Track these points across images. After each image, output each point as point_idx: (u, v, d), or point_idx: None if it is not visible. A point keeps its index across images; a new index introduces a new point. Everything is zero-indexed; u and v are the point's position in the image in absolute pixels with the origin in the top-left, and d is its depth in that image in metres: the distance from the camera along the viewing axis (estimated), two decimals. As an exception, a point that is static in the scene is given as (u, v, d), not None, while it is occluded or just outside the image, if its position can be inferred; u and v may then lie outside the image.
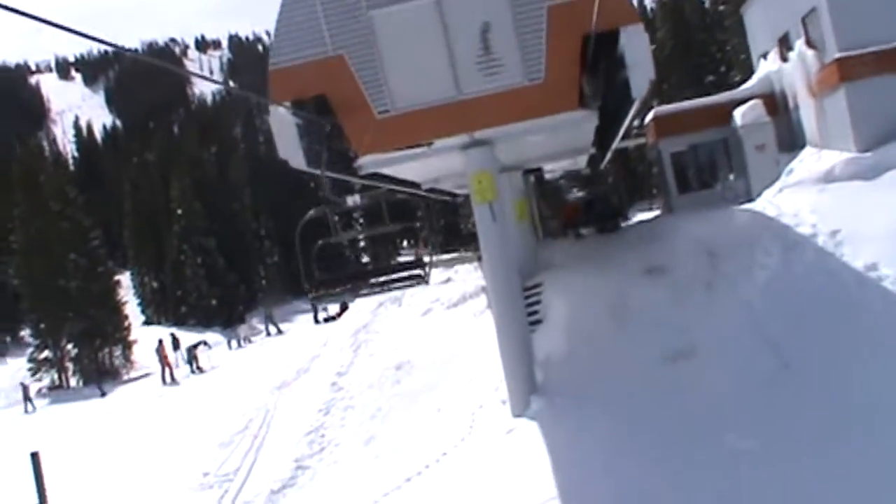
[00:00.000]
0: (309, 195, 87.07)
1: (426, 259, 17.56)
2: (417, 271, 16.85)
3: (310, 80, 13.89)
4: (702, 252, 18.20)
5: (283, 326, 44.58)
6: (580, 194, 36.24)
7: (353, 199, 17.43)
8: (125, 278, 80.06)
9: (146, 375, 48.48)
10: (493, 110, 13.70)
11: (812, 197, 19.01)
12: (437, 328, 20.19)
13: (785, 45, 23.21)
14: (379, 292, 19.11)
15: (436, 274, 24.48)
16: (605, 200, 44.20)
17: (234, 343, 40.78)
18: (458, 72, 13.62)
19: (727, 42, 69.65)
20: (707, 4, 78.95)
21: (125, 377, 55.54)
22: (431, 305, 21.83)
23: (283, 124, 14.28)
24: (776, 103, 23.91)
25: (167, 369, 36.80)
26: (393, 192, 20.46)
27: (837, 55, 19.56)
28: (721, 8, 72.56)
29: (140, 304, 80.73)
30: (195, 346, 36.46)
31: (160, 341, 39.49)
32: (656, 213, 52.10)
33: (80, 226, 58.45)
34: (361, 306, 25.29)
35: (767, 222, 18.62)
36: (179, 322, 70.93)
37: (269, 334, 40.79)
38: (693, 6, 74.62)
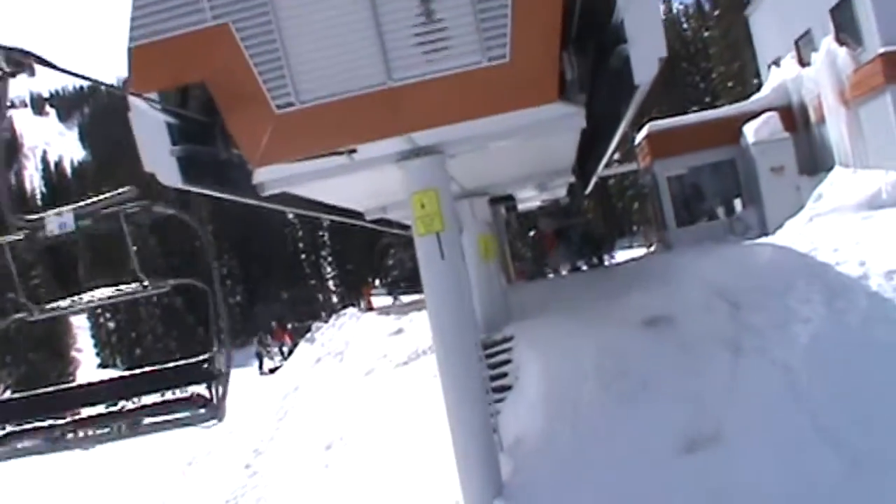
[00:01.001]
0: (274, 233, 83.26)
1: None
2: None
3: (182, 61, 9.78)
4: (718, 299, 14.17)
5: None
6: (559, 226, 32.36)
7: None
8: (82, 319, 76.17)
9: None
10: (439, 104, 9.66)
11: (855, 227, 15.08)
12: (381, 393, 16.00)
13: (804, 46, 19.30)
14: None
15: (386, 323, 20.30)
16: (587, 232, 40.48)
17: None
18: (388, 49, 9.56)
19: (712, 70, 66.13)
20: (689, 33, 75.94)
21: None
22: (377, 363, 17.57)
23: (146, 124, 10.27)
24: (794, 117, 20.03)
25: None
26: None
27: (881, 50, 15.63)
28: (706, 34, 69.18)
29: (95, 346, 76.44)
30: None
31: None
32: (642, 250, 48.27)
33: (20, 262, 53.81)
34: (300, 359, 21.04)
35: (800, 260, 14.62)
36: (134, 366, 66.65)
37: (263, 372, 36.50)
38: (674, 34, 71.28)
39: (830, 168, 17.90)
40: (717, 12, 63.58)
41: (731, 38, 58.47)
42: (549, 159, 15.61)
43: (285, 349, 37.66)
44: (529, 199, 25.97)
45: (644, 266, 19.25)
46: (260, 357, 36.41)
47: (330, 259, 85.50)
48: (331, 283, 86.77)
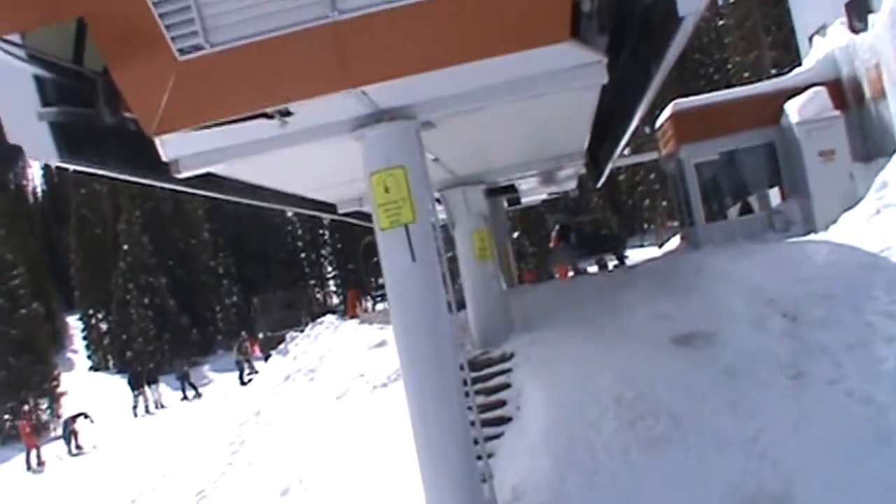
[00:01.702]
0: (275, 230, 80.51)
1: None
2: None
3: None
4: (769, 311, 11.34)
5: (211, 384, 37.25)
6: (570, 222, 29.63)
7: None
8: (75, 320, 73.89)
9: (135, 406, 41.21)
10: (405, 45, 6.92)
11: (934, 221, 12.19)
12: (353, 423, 13.18)
13: (858, 8, 16.33)
14: None
15: (368, 334, 17.47)
16: (597, 229, 37.53)
17: (140, 409, 33.39)
18: (331, -34, 6.78)
19: (727, 61, 63.12)
20: (702, 23, 72.67)
21: (52, 434, 48.58)
22: (352, 384, 14.72)
23: (6, 79, 7.56)
24: (844, 92, 17.06)
25: (32, 450, 29.49)
26: None
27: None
28: (720, 23, 66.16)
29: (87, 349, 73.77)
30: (74, 419, 29.11)
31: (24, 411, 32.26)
32: (653, 250, 45.23)
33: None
34: (268, 376, 18.22)
35: (871, 262, 11.77)
36: (124, 369, 64.18)
37: (185, 398, 33.48)
38: (687, 24, 67.90)
39: (894, 151, 14.92)
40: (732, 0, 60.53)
41: (747, 27, 55.39)
42: (558, 137, 12.74)
43: (256, 363, 34.78)
44: (534, 192, 23.06)
45: (668, 268, 16.37)
46: (240, 366, 33.68)
47: (331, 258, 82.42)
48: (332, 283, 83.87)
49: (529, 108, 9.13)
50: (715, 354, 10.73)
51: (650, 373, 10.60)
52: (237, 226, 75.44)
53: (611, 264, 28.13)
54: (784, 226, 17.02)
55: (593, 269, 27.78)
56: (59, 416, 52.88)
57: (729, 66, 62.22)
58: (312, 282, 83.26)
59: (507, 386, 12.54)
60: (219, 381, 40.93)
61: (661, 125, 19.28)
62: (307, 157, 9.37)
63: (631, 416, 9.94)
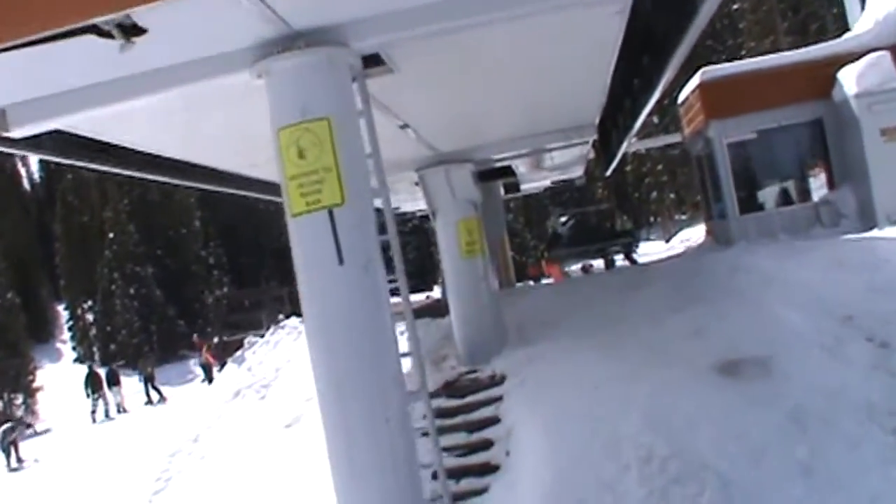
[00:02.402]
0: (269, 219, 77.73)
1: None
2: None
3: None
4: (846, 331, 8.55)
5: (179, 386, 34.31)
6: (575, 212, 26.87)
7: None
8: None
9: (45, 432, 38.30)
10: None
11: None
12: (300, 460, 10.38)
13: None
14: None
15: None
16: (606, 221, 34.54)
17: (99, 413, 30.47)
18: None
19: (741, 47, 60.16)
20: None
21: (28, 433, 46.13)
22: (305, 407, 11.93)
23: None
24: (908, 59, 14.19)
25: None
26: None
27: None
28: (734, 7, 63.10)
29: (72, 339, 71.30)
30: (12, 430, 26.21)
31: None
32: (661, 244, 42.29)
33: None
34: (218, 390, 15.42)
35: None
36: (108, 361, 61.64)
37: (149, 401, 30.54)
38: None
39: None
40: (745, -19, 57.50)
41: (763, 12, 52.32)
42: (567, 101, 9.90)
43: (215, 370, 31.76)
44: (536, 177, 20.17)
45: (693, 268, 13.57)
46: (206, 368, 30.82)
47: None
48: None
49: (532, 54, 6.44)
50: (775, 390, 7.93)
51: (689, 414, 7.82)
52: (230, 214, 72.81)
53: (617, 261, 25.37)
54: (834, 219, 14.20)
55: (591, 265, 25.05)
56: (34, 412, 50.43)
57: (743, 52, 59.06)
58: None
59: (495, 421, 9.77)
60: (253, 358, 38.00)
61: (686, 98, 16.36)
62: (207, 112, 6.55)
63: (664, 479, 7.16)
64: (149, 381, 31.23)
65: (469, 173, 11.79)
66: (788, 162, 15.43)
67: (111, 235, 66.19)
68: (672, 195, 56.96)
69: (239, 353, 16.43)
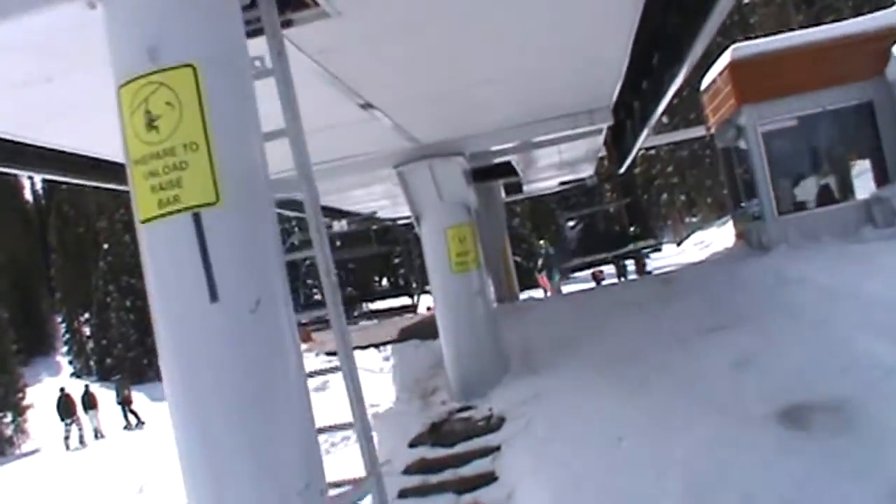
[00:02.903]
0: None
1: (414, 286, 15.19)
2: (407, 300, 14.69)
3: None
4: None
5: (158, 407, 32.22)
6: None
7: (339, 225, 14.34)
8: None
9: (33, 452, 36.35)
10: None
11: None
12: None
13: None
14: (368, 319, 15.37)
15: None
16: (615, 224, 32.29)
17: (73, 439, 28.26)
18: None
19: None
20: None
21: (17, 451, 44.60)
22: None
23: None
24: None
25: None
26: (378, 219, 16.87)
27: None
28: (746, 1, 60.87)
29: (68, 353, 69.74)
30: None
31: None
32: (671, 248, 40.13)
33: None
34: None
35: None
36: (105, 377, 59.99)
37: (128, 426, 28.24)
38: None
39: None
40: (756, -29, 55.36)
41: (776, 5, 50.08)
42: (577, 76, 7.80)
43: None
44: (541, 176, 18.03)
45: (726, 278, 11.49)
46: (123, 406, 28.76)
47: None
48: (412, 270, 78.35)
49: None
50: (864, 451, 5.85)
51: (746, 487, 5.74)
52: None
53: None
54: (888, 218, 12.07)
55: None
56: (23, 431, 48.59)
57: (755, 48, 56.73)
58: (309, 282, 78.34)
59: (491, 478, 7.72)
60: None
61: (711, 83, 14.21)
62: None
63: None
64: (125, 404, 29.08)
65: (459, 169, 9.76)
66: (834, 153, 13.22)
67: (106, 246, 64.88)
68: (682, 197, 54.95)
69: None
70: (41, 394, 51.03)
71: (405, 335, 13.31)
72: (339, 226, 12.19)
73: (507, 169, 13.27)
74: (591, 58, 7.29)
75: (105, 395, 33.12)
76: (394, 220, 16.76)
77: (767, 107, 12.72)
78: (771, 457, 6.03)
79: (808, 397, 6.69)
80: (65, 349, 70.95)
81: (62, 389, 30.05)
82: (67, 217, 71.40)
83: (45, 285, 75.14)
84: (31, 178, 77.96)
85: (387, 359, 12.57)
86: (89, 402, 28.94)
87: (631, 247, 20.68)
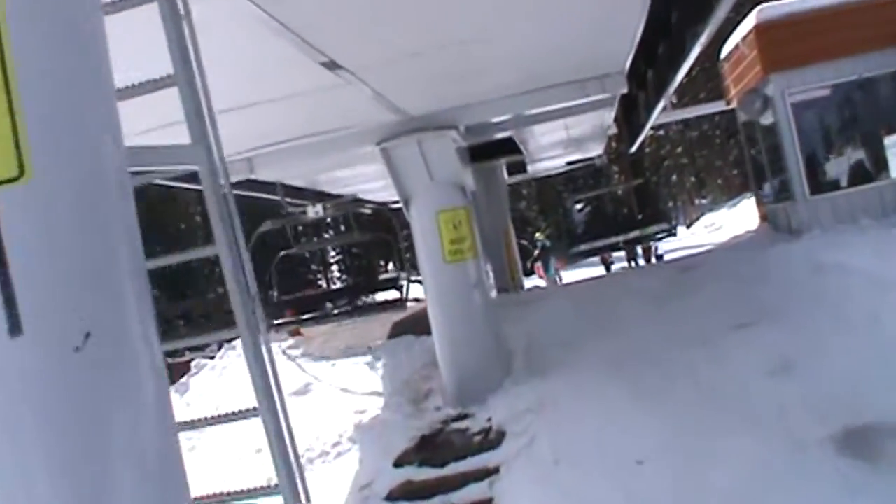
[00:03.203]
0: (274, 211, 74.41)
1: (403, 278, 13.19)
2: (394, 294, 12.98)
3: None
4: None
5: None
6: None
7: (315, 210, 12.26)
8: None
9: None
10: None
11: None
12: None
13: None
14: (349, 318, 13.35)
15: (290, 371, 11.52)
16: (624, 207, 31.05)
17: None
18: None
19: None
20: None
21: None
22: (240, 467, 8.67)
23: None
24: None
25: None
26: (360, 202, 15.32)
27: None
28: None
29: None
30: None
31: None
32: (681, 231, 38.78)
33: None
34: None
35: None
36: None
37: None
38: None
39: None
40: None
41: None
42: (587, 25, 6.53)
43: None
44: (547, 154, 16.76)
45: (755, 267, 10.25)
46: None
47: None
48: (335, 270, 76.12)
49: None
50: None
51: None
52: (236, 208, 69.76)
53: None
54: (935, 200, 10.82)
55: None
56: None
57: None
58: (314, 266, 75.89)
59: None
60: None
61: (734, 50, 12.88)
62: None
63: None
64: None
65: (452, 145, 8.54)
66: (871, 125, 11.93)
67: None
68: (692, 178, 53.70)
69: (184, 379, 13.28)
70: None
71: (398, 330, 12.15)
72: (314, 211, 10.90)
73: (509, 146, 12.12)
74: (603, 10, 6.06)
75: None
76: (381, 203, 15.60)
77: (798, 74, 11.41)
78: (831, 494, 4.85)
79: (870, 418, 5.51)
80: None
81: None
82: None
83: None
84: None
85: (379, 358, 11.38)
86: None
87: (642, 231, 19.50)
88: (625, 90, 8.63)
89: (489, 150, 11.67)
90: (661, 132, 47.54)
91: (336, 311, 11.31)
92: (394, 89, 6.95)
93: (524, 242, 34.41)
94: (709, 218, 45.34)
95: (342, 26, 4.95)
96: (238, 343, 13.74)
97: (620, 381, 7.49)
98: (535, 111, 9.34)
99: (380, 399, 9.97)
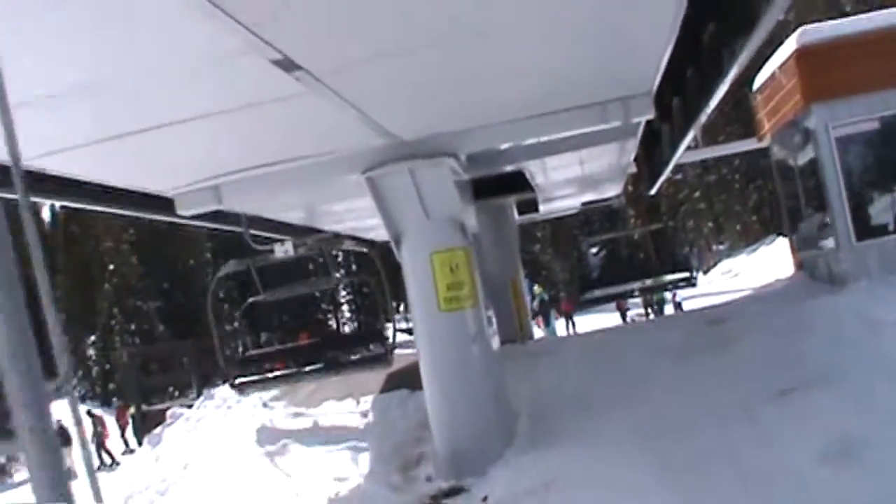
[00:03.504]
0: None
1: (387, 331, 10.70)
2: (377, 349, 10.59)
3: None
4: None
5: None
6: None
7: (283, 249, 10.22)
8: (69, 345, 68.49)
9: (27, 482, 33.85)
10: None
11: None
12: None
13: None
14: (325, 376, 10.95)
15: (274, 424, 10.31)
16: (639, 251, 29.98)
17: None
18: None
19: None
20: None
21: (9, 480, 42.44)
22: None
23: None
24: None
25: None
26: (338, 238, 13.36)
27: None
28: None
29: (74, 377, 67.87)
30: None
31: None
32: (703, 276, 37.55)
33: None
34: (109, 489, 10.97)
35: None
36: (109, 402, 57.95)
37: (101, 464, 25.65)
38: None
39: None
40: None
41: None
42: (609, 34, 5.34)
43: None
44: (560, 192, 15.49)
45: (795, 321, 9.01)
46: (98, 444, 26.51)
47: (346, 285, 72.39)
48: (345, 311, 73.86)
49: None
50: None
51: None
52: (244, 244, 68.66)
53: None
54: None
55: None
56: (16, 460, 46.60)
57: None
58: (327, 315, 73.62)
59: None
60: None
61: (769, 79, 11.68)
62: None
63: None
64: (100, 442, 26.73)
65: (449, 176, 7.37)
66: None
67: (111, 267, 63.18)
68: (710, 224, 52.64)
69: (158, 429, 12.02)
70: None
71: (392, 383, 10.91)
72: (283, 250, 9.49)
73: (518, 182, 10.93)
74: (627, 17, 4.90)
75: (108, 422, 31.05)
76: (364, 241, 14.35)
77: (843, 105, 10.19)
78: None
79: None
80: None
81: (58, 421, 27.70)
82: (74, 237, 70.10)
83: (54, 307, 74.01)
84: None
85: (365, 414, 10.14)
86: (62, 439, 26.56)
87: (659, 278, 18.26)
88: (651, 115, 7.41)
89: (496, 185, 10.50)
90: (679, 176, 46.55)
91: (307, 370, 9.94)
92: (373, 102, 5.79)
93: (537, 289, 33.43)
94: (726, 264, 44.17)
95: (295, 14, 3.79)
96: (217, 392, 12.50)
97: (644, 459, 6.28)
98: (545, 138, 8.11)
99: (365, 462, 8.72)
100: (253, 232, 10.21)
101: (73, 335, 68.06)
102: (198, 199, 7.58)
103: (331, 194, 9.45)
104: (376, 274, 10.72)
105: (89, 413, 29.55)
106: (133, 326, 61.82)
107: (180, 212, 7.66)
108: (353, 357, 9.99)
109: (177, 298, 64.49)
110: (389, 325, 10.70)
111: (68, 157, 5.68)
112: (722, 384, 7.61)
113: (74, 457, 24.59)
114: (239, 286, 43.60)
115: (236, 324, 38.48)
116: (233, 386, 9.86)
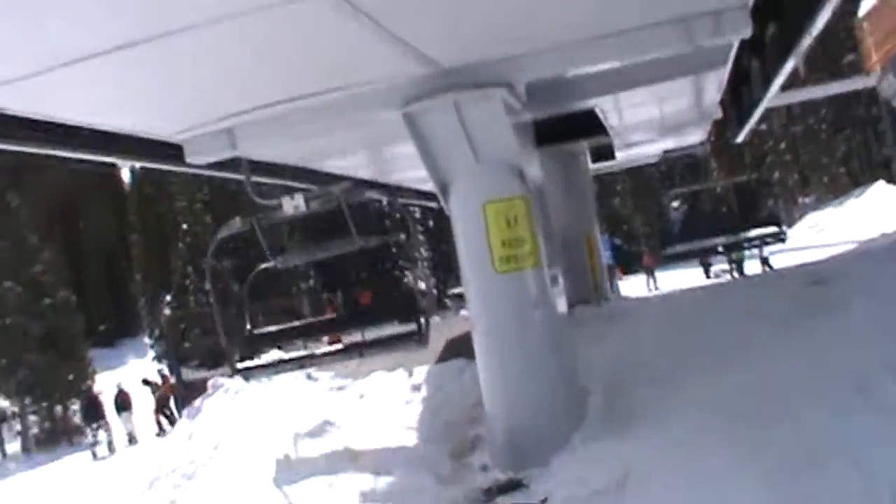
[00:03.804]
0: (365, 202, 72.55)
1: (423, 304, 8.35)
2: (410, 325, 8.08)
3: None
4: None
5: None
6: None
7: (293, 204, 7.93)
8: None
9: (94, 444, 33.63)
10: None
11: None
12: None
13: None
14: (344, 359, 9.00)
15: (312, 397, 9.36)
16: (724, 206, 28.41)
17: (103, 447, 25.17)
18: None
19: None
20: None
21: (85, 441, 42.78)
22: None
23: None
24: None
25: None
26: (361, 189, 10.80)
27: None
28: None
29: (150, 337, 68.91)
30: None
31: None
32: (788, 230, 35.74)
33: (21, 244, 45.32)
34: (132, 471, 10.08)
35: None
36: (182, 362, 58.38)
37: (160, 430, 24.91)
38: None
39: None
40: None
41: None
42: None
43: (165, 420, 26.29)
44: (637, 137, 14.07)
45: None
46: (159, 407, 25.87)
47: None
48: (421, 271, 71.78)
49: None
50: None
51: None
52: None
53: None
54: None
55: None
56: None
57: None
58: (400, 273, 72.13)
59: None
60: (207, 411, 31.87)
61: (877, 4, 10.21)
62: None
63: None
64: (159, 405, 26.20)
65: (503, 111, 6.17)
66: None
67: (185, 227, 63.61)
68: (796, 176, 50.56)
69: (198, 401, 11.10)
70: (127, 376, 49.53)
71: (451, 351, 9.81)
72: (292, 205, 7.76)
73: (589, 124, 9.69)
74: None
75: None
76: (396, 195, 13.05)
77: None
78: None
79: None
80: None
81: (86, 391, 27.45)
82: (149, 197, 70.95)
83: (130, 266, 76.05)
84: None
85: (417, 388, 9.06)
86: (123, 404, 26.22)
87: (746, 233, 16.75)
88: (748, 32, 6.06)
89: (564, 128, 9.30)
90: (764, 126, 44.51)
91: (320, 353, 8.71)
92: (412, 24, 4.63)
93: (618, 242, 32.19)
94: (812, 218, 42.20)
95: None
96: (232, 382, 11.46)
97: (742, 450, 5.07)
98: (618, 64, 6.84)
99: (412, 445, 7.65)
100: (268, 181, 9.10)
101: (147, 294, 69.44)
102: (210, 144, 6.54)
103: (368, 137, 8.34)
104: (407, 232, 9.56)
105: (145, 381, 29.05)
106: (207, 285, 62.17)
107: (190, 160, 6.64)
108: (379, 336, 8.61)
109: (250, 257, 64.48)
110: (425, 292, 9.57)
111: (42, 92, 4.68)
112: (828, 356, 6.35)
113: (135, 422, 23.98)
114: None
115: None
116: (236, 371, 8.80)
